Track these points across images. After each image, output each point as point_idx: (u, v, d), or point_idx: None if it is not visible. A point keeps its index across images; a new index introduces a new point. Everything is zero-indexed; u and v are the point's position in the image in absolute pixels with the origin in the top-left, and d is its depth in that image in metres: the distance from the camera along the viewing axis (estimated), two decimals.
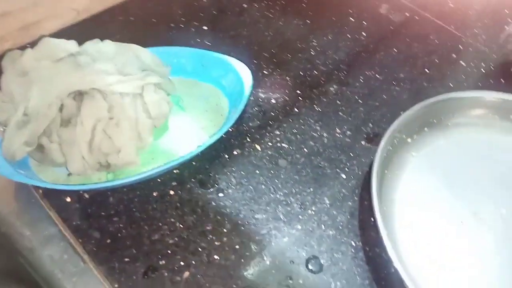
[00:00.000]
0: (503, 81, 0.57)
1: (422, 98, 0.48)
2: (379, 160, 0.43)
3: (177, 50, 0.52)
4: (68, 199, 0.43)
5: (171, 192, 0.44)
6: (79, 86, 0.42)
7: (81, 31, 0.58)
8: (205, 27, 0.60)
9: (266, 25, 0.62)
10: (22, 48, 0.45)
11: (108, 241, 0.41)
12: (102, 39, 0.48)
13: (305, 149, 0.49)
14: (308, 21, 0.63)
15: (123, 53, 0.47)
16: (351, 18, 0.64)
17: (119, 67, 0.45)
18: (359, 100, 0.54)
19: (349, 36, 0.62)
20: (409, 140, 0.49)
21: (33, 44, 0.45)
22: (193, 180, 0.45)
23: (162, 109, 0.45)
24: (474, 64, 0.59)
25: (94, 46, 0.46)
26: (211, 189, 0.45)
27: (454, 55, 0.60)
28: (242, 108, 0.47)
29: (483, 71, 0.58)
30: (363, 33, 0.62)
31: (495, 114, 0.50)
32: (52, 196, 0.43)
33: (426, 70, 0.58)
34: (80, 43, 0.47)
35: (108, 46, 0.47)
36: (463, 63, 0.59)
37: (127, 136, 0.42)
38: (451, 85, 0.56)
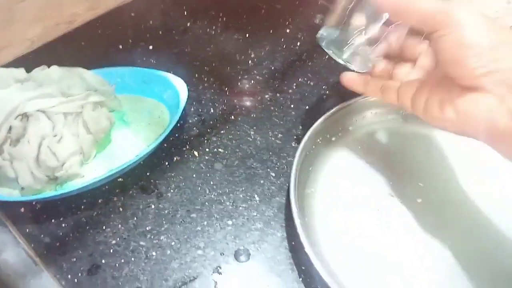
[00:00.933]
0: None
1: (350, 99, 0.54)
2: (299, 158, 0.48)
3: (120, 69, 0.57)
4: (22, 210, 0.48)
5: (115, 199, 0.49)
6: (25, 109, 0.47)
7: (35, 59, 0.62)
8: (151, 47, 0.66)
9: (208, 41, 0.68)
10: None
11: (57, 244, 0.46)
12: (55, 64, 0.54)
13: (239, 153, 0.54)
14: (247, 35, 0.69)
15: (68, 77, 0.52)
16: (287, 30, 0.70)
17: (64, 90, 0.51)
18: (291, 105, 0.59)
19: (285, 46, 0.67)
20: (333, 138, 0.54)
21: None
22: (135, 186, 0.50)
23: (101, 124, 0.50)
24: None
25: (41, 72, 0.52)
26: (152, 194, 0.50)
27: None
28: (177, 119, 0.52)
29: None
30: (298, 43, 0.67)
31: None
32: (8, 208, 0.48)
33: None
34: (32, 70, 0.53)
35: (54, 71, 0.52)
36: None
37: (70, 151, 0.47)
38: None
